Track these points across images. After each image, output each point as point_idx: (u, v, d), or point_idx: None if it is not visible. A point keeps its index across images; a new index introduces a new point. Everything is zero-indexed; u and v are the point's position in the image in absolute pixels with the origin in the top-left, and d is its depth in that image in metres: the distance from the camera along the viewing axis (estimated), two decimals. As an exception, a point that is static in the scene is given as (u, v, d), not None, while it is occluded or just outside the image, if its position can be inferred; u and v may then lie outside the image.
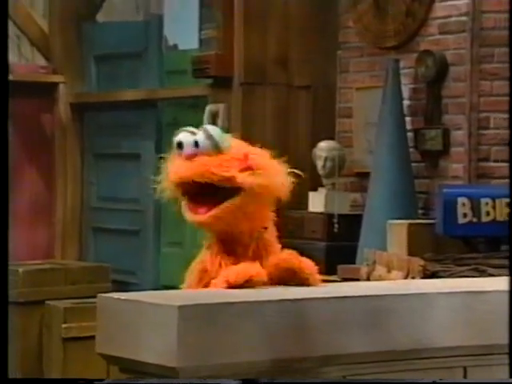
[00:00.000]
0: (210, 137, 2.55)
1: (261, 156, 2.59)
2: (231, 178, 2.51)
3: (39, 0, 8.32)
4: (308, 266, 2.52)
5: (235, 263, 2.50)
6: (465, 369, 2.51)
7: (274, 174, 2.56)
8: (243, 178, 2.51)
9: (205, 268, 2.57)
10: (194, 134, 2.57)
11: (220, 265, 2.53)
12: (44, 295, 5.46)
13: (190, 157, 2.54)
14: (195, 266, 2.61)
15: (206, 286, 2.53)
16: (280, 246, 2.64)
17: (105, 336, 2.36)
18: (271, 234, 2.63)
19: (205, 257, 2.60)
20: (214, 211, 2.52)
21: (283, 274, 2.49)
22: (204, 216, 2.54)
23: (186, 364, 2.18)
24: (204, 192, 2.54)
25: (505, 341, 2.53)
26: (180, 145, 2.56)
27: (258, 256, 2.57)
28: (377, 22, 5.26)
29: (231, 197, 2.52)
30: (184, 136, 2.57)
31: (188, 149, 2.55)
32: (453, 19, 4.86)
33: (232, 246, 2.57)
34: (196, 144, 2.54)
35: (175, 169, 2.57)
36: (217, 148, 2.55)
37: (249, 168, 2.54)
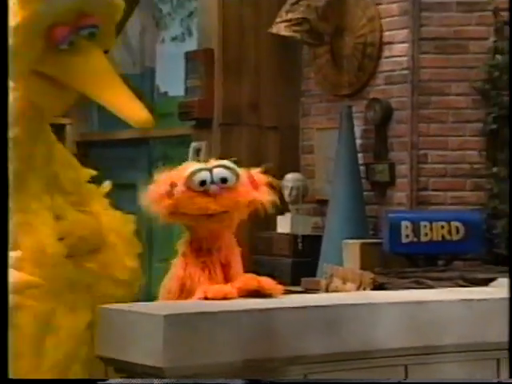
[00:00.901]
0: (232, 171, 2.54)
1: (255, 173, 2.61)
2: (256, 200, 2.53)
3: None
4: (267, 283, 2.49)
5: (210, 278, 2.50)
6: (406, 367, 2.49)
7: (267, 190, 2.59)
8: (263, 197, 2.54)
9: (183, 284, 2.54)
10: (209, 169, 2.53)
11: (198, 280, 2.51)
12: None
13: (214, 192, 2.51)
14: (173, 283, 2.57)
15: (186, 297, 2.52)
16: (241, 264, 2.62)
17: (102, 341, 2.35)
18: (236, 252, 2.62)
19: (180, 273, 2.56)
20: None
21: (247, 294, 2.46)
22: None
23: (170, 365, 2.17)
24: None
25: (441, 342, 2.54)
26: (203, 183, 2.51)
27: (227, 268, 2.56)
28: (333, 74, 5.28)
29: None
30: (205, 174, 2.52)
31: (214, 186, 2.51)
32: (396, 73, 4.89)
33: (205, 258, 2.55)
34: (224, 180, 2.51)
35: (203, 204, 2.50)
36: (238, 178, 2.54)
37: (256, 185, 2.57)
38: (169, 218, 2.58)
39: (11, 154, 2.99)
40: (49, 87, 2.99)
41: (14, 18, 3.07)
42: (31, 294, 2.64)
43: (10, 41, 3.08)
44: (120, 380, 2.31)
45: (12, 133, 3.03)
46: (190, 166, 2.58)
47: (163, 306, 2.42)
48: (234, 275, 2.56)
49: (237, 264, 2.60)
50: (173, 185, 2.54)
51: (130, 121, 2.94)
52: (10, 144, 2.94)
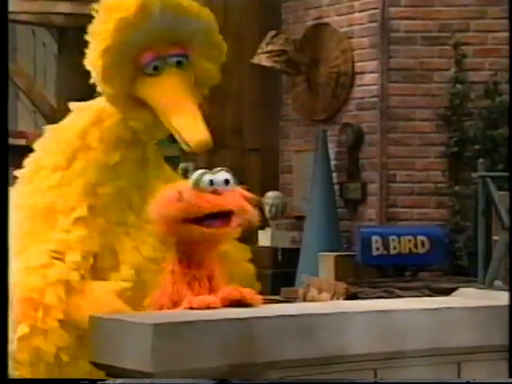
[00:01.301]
0: (231, 175, 2.55)
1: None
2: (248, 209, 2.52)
3: (51, 83, 8.33)
4: (248, 294, 2.49)
5: (197, 291, 2.49)
6: (375, 371, 2.49)
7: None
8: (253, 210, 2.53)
9: (173, 301, 2.51)
10: (213, 173, 2.52)
11: (185, 295, 2.49)
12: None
13: (220, 192, 2.49)
14: (164, 300, 2.53)
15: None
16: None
17: (96, 348, 2.34)
18: (218, 264, 2.62)
19: (169, 290, 2.53)
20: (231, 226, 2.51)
21: (230, 304, 2.46)
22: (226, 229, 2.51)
23: (158, 370, 2.16)
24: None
25: (407, 348, 2.55)
26: (212, 182, 2.49)
27: (213, 279, 2.55)
28: (310, 100, 5.31)
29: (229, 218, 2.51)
30: (212, 177, 2.51)
31: (220, 186, 2.50)
32: (367, 100, 4.92)
33: (193, 272, 2.54)
34: (227, 182, 2.51)
35: (214, 201, 2.48)
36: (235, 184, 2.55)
37: (246, 199, 2.56)
38: (177, 228, 2.48)
39: (116, 171, 2.95)
40: (144, 112, 2.94)
41: (104, 40, 3.01)
42: None
43: (100, 61, 3.02)
44: (120, 380, 2.29)
45: (113, 157, 2.99)
46: (194, 174, 2.54)
47: (151, 315, 2.42)
48: (218, 286, 2.56)
49: (219, 275, 2.60)
50: (180, 192, 2.50)
51: (188, 144, 2.87)
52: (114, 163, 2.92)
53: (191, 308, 2.40)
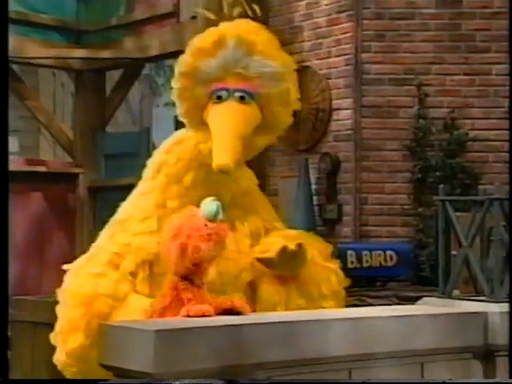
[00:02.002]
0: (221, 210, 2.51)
1: None
2: None
3: (68, 118, 8.32)
4: (238, 303, 2.48)
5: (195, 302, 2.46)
6: (350, 370, 2.48)
7: None
8: None
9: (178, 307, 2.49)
10: (217, 206, 2.49)
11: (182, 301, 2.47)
12: (67, 318, 5.32)
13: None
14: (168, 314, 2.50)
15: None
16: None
17: (104, 352, 2.32)
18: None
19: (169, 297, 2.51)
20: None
21: (222, 312, 2.45)
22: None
23: (159, 371, 2.15)
24: None
25: (377, 350, 2.53)
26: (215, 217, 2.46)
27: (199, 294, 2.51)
28: (293, 133, 5.27)
29: None
30: (217, 205, 2.48)
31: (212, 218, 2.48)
32: (342, 132, 4.92)
33: (193, 288, 2.51)
34: (216, 215, 2.47)
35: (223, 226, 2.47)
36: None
37: None
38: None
39: (186, 189, 2.85)
40: (210, 136, 2.82)
41: (180, 66, 2.92)
42: None
43: (175, 85, 2.94)
44: (120, 380, 2.27)
45: (186, 176, 2.93)
46: (207, 207, 2.49)
47: (153, 322, 2.39)
48: (211, 296, 2.53)
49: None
50: (206, 226, 2.46)
51: (213, 165, 2.79)
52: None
53: (188, 316, 2.38)
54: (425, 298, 2.96)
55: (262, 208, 3.16)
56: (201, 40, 2.93)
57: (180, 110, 2.98)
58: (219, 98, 2.86)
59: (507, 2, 4.60)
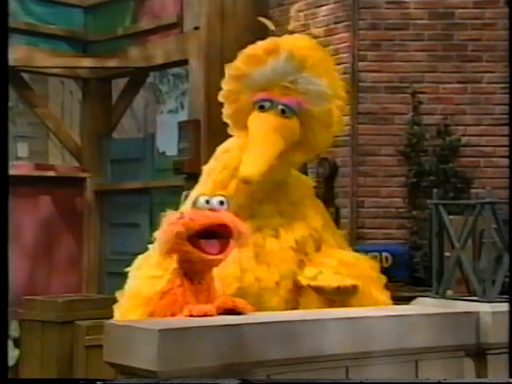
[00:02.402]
0: (227, 201, 2.46)
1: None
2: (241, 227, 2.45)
3: (75, 125, 8.32)
4: (239, 303, 2.46)
5: (198, 296, 2.44)
6: (347, 368, 2.47)
7: None
8: (245, 228, 2.46)
9: (175, 299, 2.46)
10: (209, 196, 2.45)
11: (187, 296, 2.45)
12: (74, 317, 5.32)
13: (216, 210, 2.41)
14: (167, 297, 2.47)
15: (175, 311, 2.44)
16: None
17: (110, 350, 2.31)
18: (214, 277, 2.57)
19: (175, 290, 2.46)
20: (226, 252, 2.43)
21: (224, 312, 2.43)
22: (220, 256, 2.43)
23: (163, 369, 2.14)
24: (210, 236, 2.40)
25: (373, 349, 2.52)
26: (208, 202, 2.41)
27: (210, 291, 2.50)
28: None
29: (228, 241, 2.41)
30: (209, 198, 2.43)
31: (215, 205, 2.43)
32: (340, 138, 4.88)
33: (195, 282, 2.49)
34: (221, 203, 2.44)
35: (207, 214, 2.38)
36: (229, 208, 2.47)
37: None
38: (180, 246, 2.40)
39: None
40: None
41: (230, 70, 2.87)
42: None
43: (225, 86, 2.88)
44: (120, 380, 2.26)
45: (230, 183, 2.86)
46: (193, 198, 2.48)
47: (157, 322, 2.38)
48: (215, 295, 2.52)
49: (215, 287, 2.55)
50: (181, 213, 2.46)
51: (238, 174, 2.74)
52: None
53: (191, 316, 2.37)
54: (419, 298, 2.95)
55: (311, 217, 3.01)
56: (254, 47, 2.86)
57: (225, 112, 2.94)
58: (262, 107, 2.79)
59: (498, 14, 4.60)
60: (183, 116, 6.18)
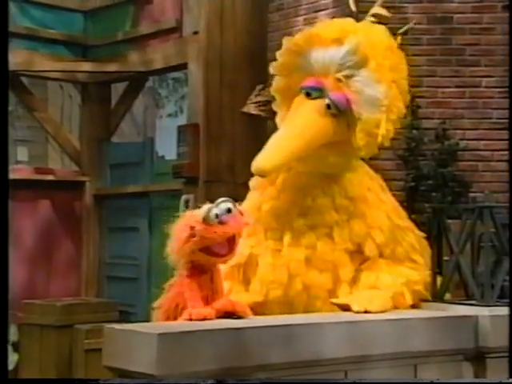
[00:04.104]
0: (232, 203, 2.42)
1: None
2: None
3: (75, 129, 8.33)
4: (239, 306, 2.44)
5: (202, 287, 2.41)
6: (346, 372, 2.47)
7: None
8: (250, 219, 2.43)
9: (180, 290, 2.44)
10: (217, 205, 2.40)
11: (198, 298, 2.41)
12: (73, 321, 5.32)
13: (225, 222, 2.37)
14: (173, 289, 2.46)
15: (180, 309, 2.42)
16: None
17: (110, 354, 2.31)
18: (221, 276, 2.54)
19: (180, 288, 2.43)
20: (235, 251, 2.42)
21: (223, 315, 2.43)
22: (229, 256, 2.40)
23: (162, 373, 2.14)
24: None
25: (372, 352, 2.51)
26: (217, 215, 2.36)
27: (215, 289, 2.45)
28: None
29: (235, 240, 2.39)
30: (218, 211, 2.37)
31: (224, 217, 2.38)
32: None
33: (201, 280, 2.45)
34: (229, 211, 2.40)
35: (217, 230, 2.34)
36: (237, 210, 2.42)
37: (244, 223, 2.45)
38: (192, 257, 2.39)
39: (279, 192, 2.67)
40: None
41: (296, 45, 2.67)
42: None
43: (280, 57, 2.69)
44: (120, 380, 2.25)
45: (278, 178, 2.74)
46: (202, 210, 2.42)
47: (156, 326, 2.38)
48: (219, 295, 2.48)
49: (221, 284, 2.51)
50: (192, 228, 2.42)
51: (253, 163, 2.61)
52: None
53: (190, 319, 2.36)
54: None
55: (372, 215, 2.76)
56: (322, 28, 2.66)
57: (274, 85, 2.74)
58: (308, 94, 2.59)
59: (496, 18, 4.61)
60: (182, 120, 6.20)
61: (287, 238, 2.69)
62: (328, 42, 2.65)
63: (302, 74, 2.70)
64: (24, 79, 6.24)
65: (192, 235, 2.40)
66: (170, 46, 5.69)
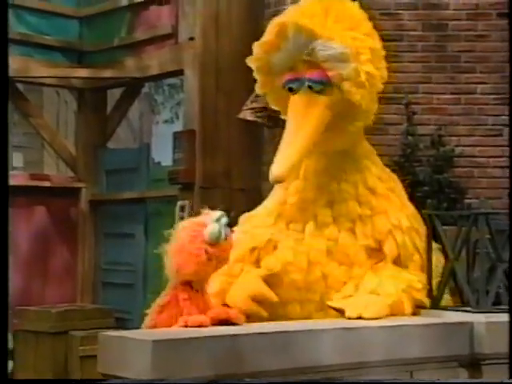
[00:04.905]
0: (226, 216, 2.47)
1: None
2: None
3: (71, 135, 8.34)
4: (233, 314, 2.45)
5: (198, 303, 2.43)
6: (342, 379, 2.47)
7: None
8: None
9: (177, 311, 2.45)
10: (219, 222, 2.44)
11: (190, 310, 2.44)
12: (68, 327, 5.30)
13: (228, 236, 2.44)
14: (167, 310, 2.47)
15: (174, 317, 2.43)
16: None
17: (104, 360, 2.30)
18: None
19: (179, 302, 2.44)
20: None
21: (218, 323, 2.43)
22: None
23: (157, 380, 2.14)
24: None
25: (368, 359, 2.51)
26: (226, 236, 2.41)
27: (204, 296, 2.48)
28: (287, 149, 5.29)
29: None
30: (221, 226, 2.41)
31: (228, 233, 2.44)
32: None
33: (195, 294, 2.47)
34: (218, 238, 2.43)
35: (227, 247, 2.42)
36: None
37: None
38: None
39: (304, 184, 2.71)
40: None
41: (257, 60, 2.78)
42: None
43: (257, 78, 2.78)
44: (120, 380, 2.24)
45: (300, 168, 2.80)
46: (208, 230, 2.42)
47: (151, 333, 2.37)
48: (208, 300, 2.50)
49: (209, 297, 2.54)
50: (207, 252, 2.41)
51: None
52: None
53: (186, 326, 2.36)
54: (413, 309, 2.94)
55: (392, 213, 2.82)
56: (267, 33, 2.76)
57: (269, 101, 2.88)
58: (291, 89, 2.69)
59: (490, 25, 4.63)
60: (178, 126, 6.20)
61: (310, 229, 2.75)
62: (276, 40, 2.74)
63: (278, 79, 2.80)
64: (20, 85, 6.23)
65: (209, 259, 2.41)
66: (165, 52, 5.69)
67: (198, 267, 2.41)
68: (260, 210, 2.98)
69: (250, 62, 2.85)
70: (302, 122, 2.67)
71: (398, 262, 2.82)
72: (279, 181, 2.70)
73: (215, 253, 2.41)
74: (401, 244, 2.82)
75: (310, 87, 2.68)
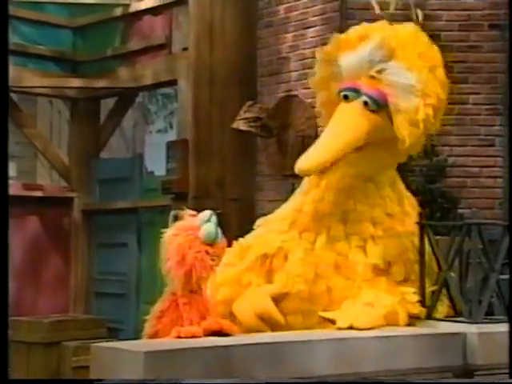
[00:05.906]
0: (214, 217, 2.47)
1: None
2: None
3: (64, 144, 8.33)
4: (226, 325, 2.44)
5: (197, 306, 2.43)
6: (335, 388, 2.48)
7: None
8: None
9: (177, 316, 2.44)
10: (213, 223, 2.43)
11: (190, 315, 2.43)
12: (61, 338, 5.29)
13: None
14: (167, 315, 2.46)
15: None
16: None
17: (96, 370, 2.29)
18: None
19: (179, 307, 2.44)
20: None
21: (211, 334, 2.42)
22: None
23: (149, 391, 2.13)
24: None
25: (361, 370, 2.50)
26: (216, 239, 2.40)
27: (203, 298, 2.47)
28: (280, 159, 5.31)
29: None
30: (214, 226, 2.41)
31: (220, 236, 2.44)
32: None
33: (191, 300, 2.45)
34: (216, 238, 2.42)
35: (223, 245, 2.43)
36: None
37: None
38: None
39: (320, 196, 2.70)
40: None
41: (326, 53, 2.79)
42: None
43: (317, 72, 2.80)
44: (119, 380, 2.23)
45: (317, 180, 2.80)
46: (202, 232, 2.41)
47: (143, 344, 2.37)
48: (207, 302, 2.49)
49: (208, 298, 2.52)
50: (207, 252, 2.41)
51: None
52: None
53: (179, 337, 2.36)
54: (406, 319, 2.94)
55: (406, 236, 2.83)
56: (348, 32, 2.74)
57: (317, 100, 2.85)
58: (346, 97, 2.66)
59: (482, 36, 4.65)
60: (172, 135, 6.22)
61: (322, 241, 2.73)
62: (355, 42, 2.71)
63: (337, 81, 2.74)
64: (13, 95, 6.23)
65: (212, 259, 2.42)
66: (159, 62, 5.71)
67: (205, 270, 2.41)
68: (277, 213, 2.95)
69: (319, 52, 2.80)
70: (344, 129, 2.65)
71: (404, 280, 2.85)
72: (304, 173, 2.70)
73: (215, 252, 2.42)
74: (409, 268, 2.84)
75: (365, 103, 2.64)
